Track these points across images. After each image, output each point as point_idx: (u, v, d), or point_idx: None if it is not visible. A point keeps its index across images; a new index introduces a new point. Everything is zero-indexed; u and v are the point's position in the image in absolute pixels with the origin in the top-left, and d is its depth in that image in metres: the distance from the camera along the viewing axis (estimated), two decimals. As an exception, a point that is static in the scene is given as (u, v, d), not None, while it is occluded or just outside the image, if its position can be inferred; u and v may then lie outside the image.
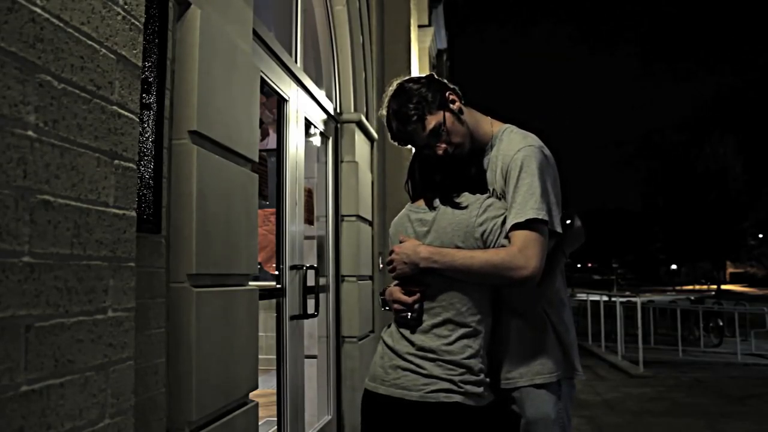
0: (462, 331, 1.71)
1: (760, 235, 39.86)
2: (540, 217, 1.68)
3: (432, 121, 1.83)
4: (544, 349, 1.83)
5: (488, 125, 1.94)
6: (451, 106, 1.87)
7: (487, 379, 1.72)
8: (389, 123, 1.91)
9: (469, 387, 1.66)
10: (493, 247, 1.72)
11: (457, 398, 1.64)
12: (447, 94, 1.87)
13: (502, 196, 1.82)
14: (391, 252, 1.84)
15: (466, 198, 1.80)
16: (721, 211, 34.44)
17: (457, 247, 1.72)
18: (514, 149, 1.79)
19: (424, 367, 1.68)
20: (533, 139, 1.83)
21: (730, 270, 55.44)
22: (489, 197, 1.80)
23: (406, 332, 1.75)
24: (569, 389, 1.89)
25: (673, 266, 53.04)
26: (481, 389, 1.68)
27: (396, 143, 1.95)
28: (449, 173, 1.84)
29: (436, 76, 1.94)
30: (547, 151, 1.82)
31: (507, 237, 1.71)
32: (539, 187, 1.71)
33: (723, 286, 38.32)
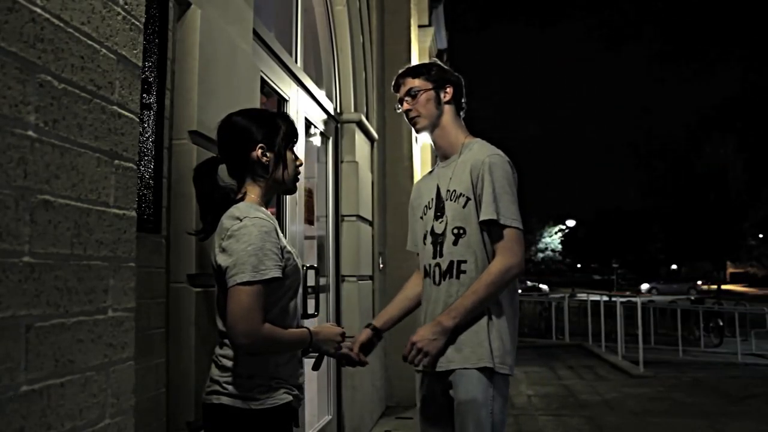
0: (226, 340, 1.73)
1: (760, 235, 39.81)
2: (516, 219, 2.04)
3: (417, 84, 2.21)
4: (479, 337, 2.02)
5: (462, 136, 2.24)
6: (441, 92, 2.22)
7: (272, 382, 1.69)
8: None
9: (233, 389, 1.67)
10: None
11: (224, 399, 1.68)
12: (447, 85, 2.23)
13: (461, 195, 2.10)
14: (412, 342, 2.04)
15: (224, 219, 1.71)
16: (721, 211, 34.40)
17: (218, 266, 1.67)
18: (485, 154, 2.10)
19: (211, 369, 1.76)
20: (500, 152, 2.15)
21: (730, 270, 55.38)
22: (235, 227, 1.66)
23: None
24: (503, 383, 2.05)
25: (673, 266, 52.98)
26: (252, 392, 1.67)
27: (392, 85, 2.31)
28: (204, 194, 1.83)
29: (451, 73, 2.27)
30: (511, 163, 2.14)
31: (484, 225, 2.04)
32: (508, 191, 2.04)
33: (723, 286, 38.27)
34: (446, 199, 2.15)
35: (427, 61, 8.78)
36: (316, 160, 4.51)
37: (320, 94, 4.17)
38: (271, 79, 3.23)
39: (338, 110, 4.85)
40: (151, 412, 1.85)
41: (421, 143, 7.53)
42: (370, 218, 5.28)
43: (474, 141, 2.21)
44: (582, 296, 15.64)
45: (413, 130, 2.29)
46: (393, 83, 2.29)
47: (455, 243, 2.09)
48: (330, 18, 4.89)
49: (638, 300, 9.83)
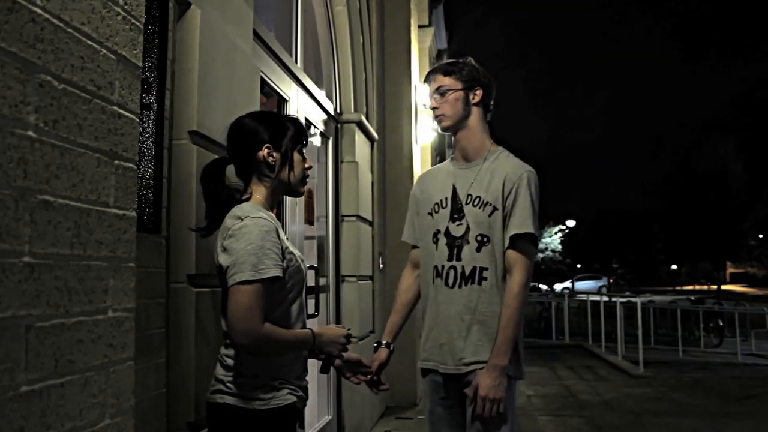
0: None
1: (760, 236, 39.80)
2: (532, 231, 2.12)
3: (447, 83, 2.20)
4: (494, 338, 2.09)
5: (487, 141, 2.25)
6: (471, 94, 2.21)
7: (276, 383, 1.69)
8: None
9: (237, 389, 1.67)
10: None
11: (228, 399, 1.68)
12: (477, 86, 2.21)
13: (487, 203, 2.13)
14: (482, 398, 2.03)
15: (228, 219, 1.71)
16: (721, 212, 34.38)
17: (219, 266, 1.67)
18: (521, 169, 2.17)
19: (216, 369, 1.76)
20: (530, 167, 2.20)
21: (730, 270, 55.35)
22: (236, 228, 1.66)
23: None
24: (513, 386, 2.15)
25: (674, 266, 52.95)
26: (256, 392, 1.67)
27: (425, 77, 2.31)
28: (211, 191, 1.82)
29: (483, 75, 2.25)
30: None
31: (510, 238, 2.12)
32: (531, 208, 2.12)
33: (723, 286, 38.24)
34: (466, 203, 2.17)
35: (427, 61, 8.79)
36: (316, 160, 4.51)
37: (320, 95, 4.17)
38: (271, 79, 3.23)
39: (338, 110, 4.85)
40: (151, 412, 1.85)
41: (421, 143, 7.53)
42: (370, 218, 5.28)
43: (499, 149, 2.24)
44: (582, 296, 15.64)
45: (439, 127, 2.30)
46: (424, 77, 2.28)
47: (478, 250, 2.13)
48: (330, 18, 4.89)
49: (638, 300, 9.83)
